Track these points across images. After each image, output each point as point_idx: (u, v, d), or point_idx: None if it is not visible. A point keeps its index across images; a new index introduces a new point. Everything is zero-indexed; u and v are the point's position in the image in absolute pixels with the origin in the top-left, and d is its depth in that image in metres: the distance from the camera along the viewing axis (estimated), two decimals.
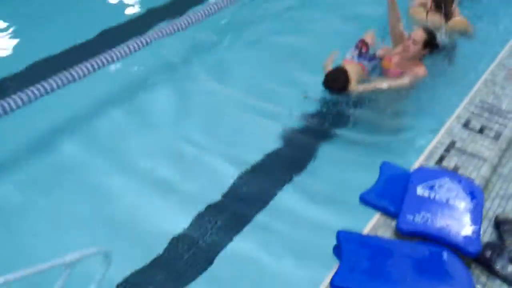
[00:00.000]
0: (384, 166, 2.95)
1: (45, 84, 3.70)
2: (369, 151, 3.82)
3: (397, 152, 3.61)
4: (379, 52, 4.56)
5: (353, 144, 3.93)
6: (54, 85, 3.74)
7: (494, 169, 3.03)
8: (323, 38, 5.13)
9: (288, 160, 3.88)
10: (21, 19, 5.27)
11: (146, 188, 3.48)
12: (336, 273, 2.32)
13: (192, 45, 5.07)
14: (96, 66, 4.00)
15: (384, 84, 4.25)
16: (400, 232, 2.55)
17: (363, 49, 4.48)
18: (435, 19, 4.93)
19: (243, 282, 3.00)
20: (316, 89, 4.23)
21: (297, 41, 5.11)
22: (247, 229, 3.26)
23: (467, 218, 2.56)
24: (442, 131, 3.28)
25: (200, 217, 3.30)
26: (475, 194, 2.70)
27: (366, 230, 2.62)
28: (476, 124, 3.35)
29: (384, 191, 2.80)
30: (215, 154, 3.80)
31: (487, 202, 2.81)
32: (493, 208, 2.79)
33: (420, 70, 4.28)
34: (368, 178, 2.99)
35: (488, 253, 2.48)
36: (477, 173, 2.94)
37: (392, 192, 2.77)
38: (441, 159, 3.04)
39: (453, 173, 2.90)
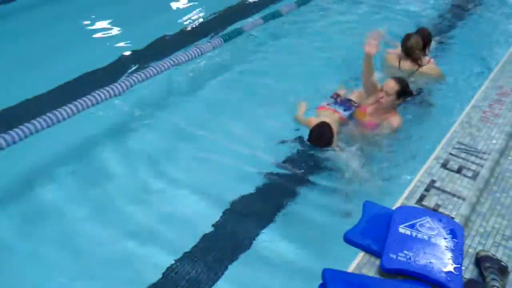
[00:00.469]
0: (366, 205, 3.00)
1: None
2: (348, 196, 3.85)
3: (374, 196, 3.60)
4: (353, 97, 4.64)
5: (331, 189, 3.95)
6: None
7: (473, 208, 3.10)
8: (303, 78, 5.29)
9: (267, 203, 3.88)
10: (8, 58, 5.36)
11: (122, 236, 3.44)
12: None
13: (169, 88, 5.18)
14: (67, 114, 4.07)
15: (359, 136, 4.29)
16: (384, 270, 2.58)
17: (338, 99, 4.61)
18: (406, 65, 5.14)
19: None
20: (291, 133, 4.34)
21: (275, 83, 5.24)
22: (227, 273, 3.25)
23: (448, 256, 2.61)
24: (422, 171, 3.36)
25: (178, 264, 3.27)
26: (456, 231, 2.76)
27: (351, 269, 2.65)
28: (454, 164, 3.45)
29: (367, 229, 2.84)
30: (193, 197, 3.81)
31: (467, 239, 2.87)
32: (473, 245, 2.85)
33: (395, 121, 4.32)
34: (347, 222, 3.04)
35: None
36: (457, 212, 3.02)
37: (375, 230, 2.82)
38: (421, 198, 3.11)
39: (434, 212, 2.97)
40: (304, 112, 4.54)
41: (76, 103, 4.17)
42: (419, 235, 2.71)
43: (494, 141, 3.71)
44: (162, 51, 5.66)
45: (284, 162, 4.17)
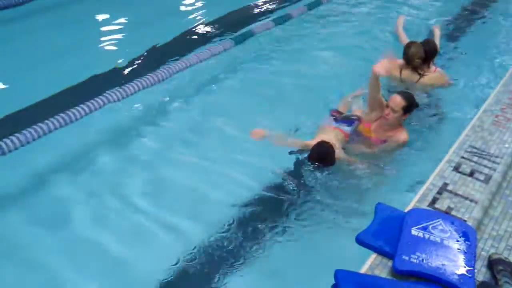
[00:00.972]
0: (379, 207, 3.01)
1: None
2: (360, 198, 3.82)
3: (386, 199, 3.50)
4: (355, 112, 4.46)
5: (342, 189, 3.91)
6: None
7: (486, 211, 3.10)
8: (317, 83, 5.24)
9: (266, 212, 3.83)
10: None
11: (95, 263, 3.34)
12: None
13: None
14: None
15: (367, 150, 4.15)
16: (396, 272, 2.59)
17: (337, 118, 4.40)
18: (407, 75, 5.06)
19: None
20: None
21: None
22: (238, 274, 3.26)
23: (461, 258, 2.61)
24: (434, 174, 3.37)
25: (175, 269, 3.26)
26: (469, 234, 2.77)
27: (363, 270, 2.66)
28: (466, 168, 3.45)
29: (379, 231, 2.84)
30: (193, 198, 3.82)
31: (479, 242, 2.87)
32: (485, 248, 2.85)
33: (402, 137, 4.17)
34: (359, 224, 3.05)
35: None
36: (469, 215, 3.02)
37: (387, 232, 2.82)
38: (434, 201, 3.11)
39: (446, 215, 2.97)
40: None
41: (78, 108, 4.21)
42: (432, 238, 2.72)
43: (506, 145, 3.71)
44: (170, 55, 5.68)
45: (286, 175, 4.05)
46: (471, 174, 3.39)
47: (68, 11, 6.56)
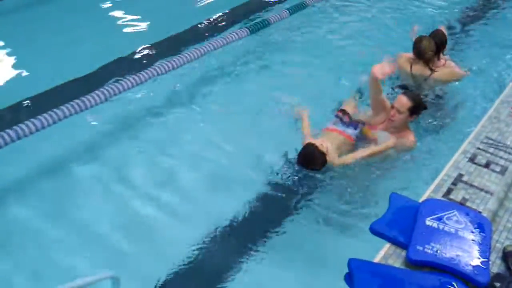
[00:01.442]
0: (393, 197, 3.00)
1: None
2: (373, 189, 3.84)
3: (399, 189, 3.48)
4: (360, 116, 4.31)
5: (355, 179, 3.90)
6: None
7: (501, 203, 3.08)
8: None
9: (288, 195, 3.86)
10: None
11: (101, 258, 3.36)
12: None
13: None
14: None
15: (367, 152, 3.93)
16: (410, 262, 2.58)
17: (344, 119, 4.24)
18: (418, 70, 4.84)
19: None
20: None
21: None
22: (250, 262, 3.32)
23: (476, 249, 2.60)
24: (449, 165, 3.34)
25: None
26: (484, 225, 2.74)
27: (377, 259, 2.66)
28: (482, 159, 3.42)
29: (393, 221, 2.83)
30: (194, 200, 3.80)
31: (494, 234, 2.85)
32: (500, 240, 2.82)
33: (409, 141, 4.04)
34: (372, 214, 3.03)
35: (497, 284, 2.51)
36: (484, 206, 2.99)
37: (401, 222, 2.81)
38: (448, 191, 3.09)
39: (461, 206, 2.95)
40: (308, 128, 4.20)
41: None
42: (446, 228, 2.70)
43: None
44: (184, 43, 5.70)
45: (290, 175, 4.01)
46: (486, 165, 3.35)
47: None
